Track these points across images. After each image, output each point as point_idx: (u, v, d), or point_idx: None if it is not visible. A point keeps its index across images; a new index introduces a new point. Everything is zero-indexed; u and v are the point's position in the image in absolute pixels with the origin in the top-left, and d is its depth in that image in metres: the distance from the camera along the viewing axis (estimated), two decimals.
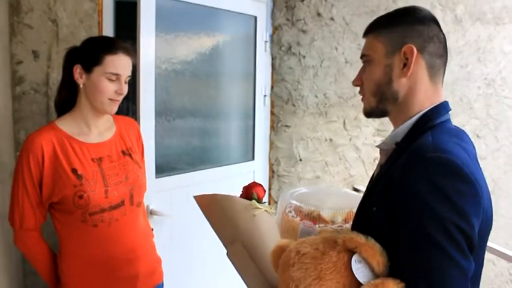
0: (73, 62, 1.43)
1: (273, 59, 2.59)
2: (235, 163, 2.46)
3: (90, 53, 1.41)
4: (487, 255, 1.09)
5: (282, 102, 2.60)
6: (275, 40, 2.57)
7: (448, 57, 1.01)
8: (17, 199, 1.39)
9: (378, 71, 0.96)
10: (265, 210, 1.15)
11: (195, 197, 1.21)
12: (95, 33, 1.90)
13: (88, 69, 1.41)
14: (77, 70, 1.42)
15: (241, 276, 1.11)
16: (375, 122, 2.54)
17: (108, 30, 1.97)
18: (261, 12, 2.49)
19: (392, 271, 0.83)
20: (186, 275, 2.15)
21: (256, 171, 2.54)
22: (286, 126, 2.60)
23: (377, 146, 1.04)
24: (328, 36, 2.54)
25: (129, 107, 2.62)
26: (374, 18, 1.02)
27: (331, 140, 2.60)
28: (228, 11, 2.30)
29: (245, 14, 2.41)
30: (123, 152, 1.51)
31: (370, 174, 1.11)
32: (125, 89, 1.45)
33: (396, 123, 0.99)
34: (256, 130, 2.53)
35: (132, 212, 1.49)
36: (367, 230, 0.87)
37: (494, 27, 2.50)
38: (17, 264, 1.81)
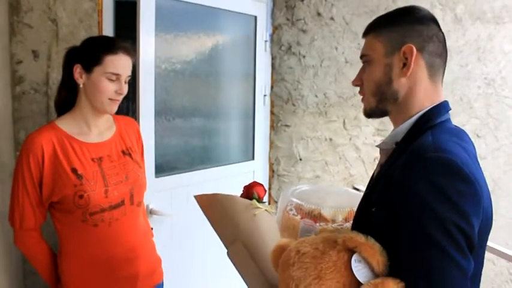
0: (73, 62, 1.43)
1: (273, 58, 2.59)
2: (235, 163, 2.46)
3: (90, 53, 1.41)
4: (487, 255, 1.09)
5: (282, 102, 2.60)
6: (275, 40, 2.57)
7: (448, 57, 1.01)
8: (17, 199, 1.39)
9: (378, 71, 0.96)
10: (266, 210, 1.15)
11: (196, 197, 1.21)
12: (94, 32, 1.90)
13: (88, 69, 1.41)
14: (77, 70, 1.42)
15: (242, 276, 1.11)
16: (375, 122, 2.54)
17: (108, 30, 1.97)
18: (261, 11, 2.49)
19: (392, 271, 0.83)
20: (186, 274, 2.15)
21: (256, 170, 2.54)
22: (286, 125, 2.60)
23: (377, 146, 1.04)
24: (328, 36, 2.54)
25: (129, 106, 2.63)
26: (374, 18, 1.02)
27: (331, 139, 2.60)
28: (228, 10, 2.30)
29: (245, 14, 2.41)
30: (123, 152, 1.51)
31: (370, 174, 1.11)
32: (125, 89, 1.45)
33: (396, 123, 0.99)
34: (256, 130, 2.54)
35: (132, 211, 1.49)
36: (367, 229, 0.87)
37: (494, 27, 2.50)
38: (17, 264, 1.81)
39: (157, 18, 1.88)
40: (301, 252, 0.86)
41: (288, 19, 2.55)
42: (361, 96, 1.03)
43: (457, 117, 2.48)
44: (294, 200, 1.23)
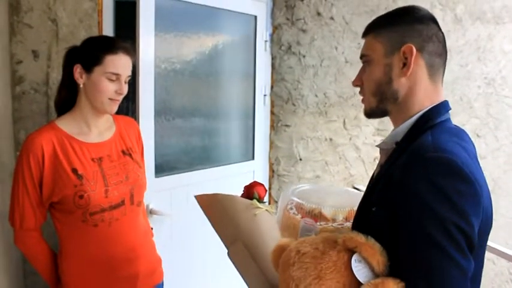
0: (73, 62, 1.43)
1: (273, 58, 2.59)
2: (235, 162, 2.46)
3: (90, 53, 1.41)
4: (487, 255, 1.09)
5: (282, 102, 2.60)
6: (275, 39, 2.57)
7: (448, 57, 1.01)
8: (17, 199, 1.39)
9: (378, 71, 0.96)
10: (266, 210, 1.15)
11: (196, 197, 1.21)
12: (94, 32, 1.90)
13: (88, 69, 1.41)
14: (77, 70, 1.41)
15: (242, 276, 1.11)
16: (375, 122, 2.54)
17: (108, 30, 1.97)
18: (261, 11, 2.49)
19: (392, 271, 0.83)
20: (185, 274, 2.15)
21: (256, 170, 2.54)
22: (286, 125, 2.60)
23: (377, 146, 1.04)
24: (328, 36, 2.54)
25: (129, 106, 2.62)
26: (374, 17, 1.02)
27: (331, 139, 2.60)
28: (228, 10, 2.30)
29: (245, 14, 2.41)
30: (123, 152, 1.51)
31: (370, 174, 1.11)
32: (125, 89, 1.45)
33: (396, 123, 0.99)
34: (256, 130, 2.53)
35: (132, 211, 1.49)
36: (367, 229, 0.87)
37: (494, 27, 2.50)
38: (17, 264, 1.81)
39: (157, 18, 1.88)
40: (301, 252, 0.86)
41: (287, 19, 2.55)
42: (362, 97, 1.03)
43: (457, 117, 2.48)
44: (295, 199, 1.23)
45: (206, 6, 2.17)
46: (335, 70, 2.55)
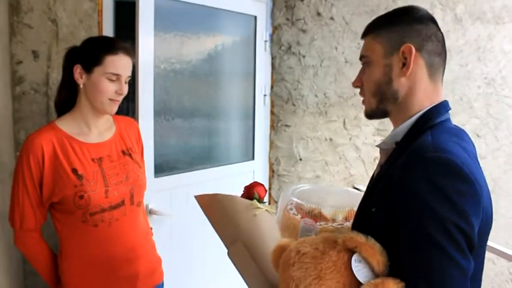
0: (73, 62, 1.43)
1: (272, 58, 2.59)
2: (235, 163, 2.46)
3: (90, 53, 1.41)
4: (487, 255, 1.09)
5: (282, 102, 2.60)
6: (275, 40, 2.57)
7: (448, 57, 1.01)
8: (17, 199, 1.39)
9: (378, 72, 0.97)
10: (266, 210, 1.15)
11: (196, 197, 1.21)
12: (94, 33, 1.90)
13: (88, 69, 1.41)
14: (77, 70, 1.41)
15: (242, 276, 1.11)
16: (375, 122, 2.54)
17: (108, 30, 1.97)
18: (261, 11, 2.49)
19: (393, 271, 0.83)
20: (185, 274, 2.15)
21: (256, 170, 2.54)
22: (286, 125, 2.60)
23: (377, 146, 1.04)
24: (328, 36, 2.54)
25: (129, 107, 2.62)
26: (374, 17, 1.02)
27: (331, 139, 2.60)
28: (228, 10, 2.30)
29: (245, 14, 2.41)
30: (123, 152, 1.51)
31: (370, 174, 1.11)
32: (125, 89, 1.45)
33: (396, 123, 0.99)
34: (256, 130, 2.54)
35: (132, 211, 1.49)
36: (367, 229, 0.87)
37: (494, 27, 2.50)
38: (17, 265, 1.81)
39: (157, 18, 1.88)
40: (301, 253, 0.86)
41: (287, 19, 2.55)
42: (362, 98, 1.03)
43: (457, 117, 2.48)
44: (294, 199, 1.23)
45: (206, 6, 2.17)
46: (335, 70, 2.55)
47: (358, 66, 1.03)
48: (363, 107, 1.03)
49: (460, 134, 0.94)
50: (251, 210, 1.13)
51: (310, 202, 1.20)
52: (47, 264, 1.48)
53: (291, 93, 2.58)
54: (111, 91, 1.41)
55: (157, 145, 1.96)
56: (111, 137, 1.51)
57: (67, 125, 1.44)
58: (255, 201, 1.16)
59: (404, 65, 0.94)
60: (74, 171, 1.39)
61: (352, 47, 2.52)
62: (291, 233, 1.17)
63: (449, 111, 0.98)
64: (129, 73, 1.46)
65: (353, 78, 1.04)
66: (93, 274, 1.44)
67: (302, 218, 1.18)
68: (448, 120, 0.96)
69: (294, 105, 2.58)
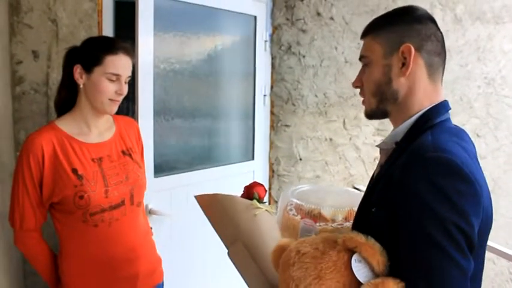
0: (73, 62, 1.43)
1: (272, 58, 2.59)
2: (235, 163, 2.46)
3: (90, 53, 1.41)
4: (487, 254, 1.09)
5: (282, 102, 2.60)
6: (275, 40, 2.57)
7: (448, 57, 1.01)
8: (17, 199, 1.39)
9: (377, 72, 0.97)
10: (266, 210, 1.15)
11: (196, 197, 1.21)
12: (94, 33, 1.90)
13: (88, 69, 1.41)
14: (77, 70, 1.41)
15: (242, 276, 1.11)
16: (375, 122, 2.54)
17: (108, 30, 1.97)
18: (261, 11, 2.49)
19: (393, 271, 0.83)
20: (185, 274, 2.15)
21: (256, 170, 2.54)
22: (286, 125, 2.60)
23: (377, 146, 1.04)
24: (328, 36, 2.54)
25: (129, 107, 2.63)
26: (374, 17, 1.02)
27: (331, 139, 2.60)
28: (228, 10, 2.30)
29: (245, 14, 2.41)
30: (123, 152, 1.51)
31: (370, 174, 1.11)
32: (125, 89, 1.45)
33: (396, 123, 0.99)
34: (256, 130, 2.54)
35: (132, 211, 1.49)
36: (367, 229, 0.87)
37: (494, 27, 2.50)
38: (17, 265, 1.81)
39: (156, 18, 1.88)
40: (301, 253, 0.86)
41: (287, 19, 2.55)
42: (362, 99, 1.03)
43: (457, 117, 2.48)
44: (294, 200, 1.23)
45: (206, 6, 2.17)
46: (335, 70, 2.55)
47: (358, 66, 1.03)
48: (363, 107, 1.03)
49: (460, 134, 0.94)
50: (251, 210, 1.13)
51: (309, 202, 1.20)
52: (47, 264, 1.48)
53: (290, 93, 2.58)
54: (111, 91, 1.41)
55: (157, 145, 1.96)
56: (111, 137, 1.51)
57: (67, 125, 1.44)
58: (254, 201, 1.16)
59: (403, 65, 0.94)
60: (74, 171, 1.39)
61: (352, 47, 2.52)
62: (290, 233, 1.17)
63: (449, 111, 0.98)
64: (129, 73, 1.46)
65: (353, 78, 1.04)
66: (93, 274, 1.44)
67: (302, 218, 1.18)
68: (448, 120, 0.96)
69: (293, 105, 2.58)
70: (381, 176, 0.95)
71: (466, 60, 2.52)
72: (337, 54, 2.54)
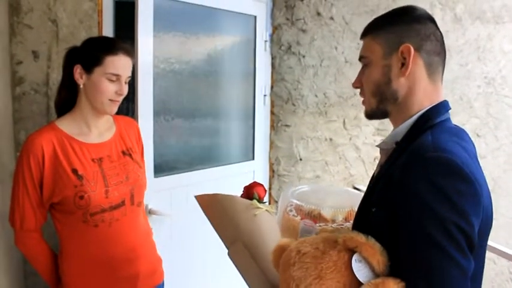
0: (73, 62, 1.43)
1: (272, 58, 2.59)
2: (235, 163, 2.46)
3: (90, 54, 1.41)
4: (488, 254, 1.09)
5: (282, 102, 2.60)
6: (275, 40, 2.57)
7: (448, 56, 1.02)
8: (18, 200, 1.39)
9: (377, 72, 0.97)
10: (266, 210, 1.15)
11: (196, 197, 1.21)
12: (94, 33, 1.90)
13: (88, 69, 1.41)
14: (77, 70, 1.42)
15: (243, 276, 1.12)
16: (375, 122, 2.54)
17: (108, 31, 1.97)
18: (261, 11, 2.49)
19: (393, 271, 0.83)
20: (185, 274, 2.15)
21: (256, 170, 2.54)
22: (286, 125, 2.60)
23: (377, 146, 1.04)
24: (328, 36, 2.54)
25: (129, 107, 2.63)
26: (374, 17, 1.02)
27: (331, 139, 2.60)
28: (228, 10, 2.30)
29: (245, 14, 2.41)
30: (123, 152, 1.51)
31: (370, 174, 1.11)
32: (125, 90, 1.45)
33: (396, 123, 0.99)
34: (256, 130, 2.54)
35: (133, 212, 1.49)
36: (368, 229, 0.87)
37: (494, 26, 2.50)
38: (17, 265, 1.81)
39: (156, 18, 1.88)
40: (301, 252, 0.87)
41: (287, 19, 2.55)
42: (362, 99, 1.03)
43: (457, 117, 2.48)
44: (294, 200, 1.23)
45: (205, 6, 2.17)
46: (335, 70, 2.55)
47: (358, 66, 1.03)
48: (363, 107, 1.03)
49: (460, 134, 0.94)
50: (251, 210, 1.13)
51: (309, 203, 1.20)
52: (47, 265, 1.48)
53: (291, 93, 2.58)
54: (111, 91, 1.41)
55: (156, 145, 1.96)
56: (111, 137, 1.51)
57: (67, 125, 1.44)
58: (254, 201, 1.16)
59: (403, 65, 0.94)
60: (74, 171, 1.39)
61: (352, 47, 2.52)
62: (290, 234, 1.17)
63: (449, 111, 0.98)
64: (129, 73, 1.46)
65: (353, 78, 1.04)
66: (93, 274, 1.44)
67: (302, 219, 1.18)
68: (448, 120, 0.96)
69: (294, 105, 2.58)
70: (381, 176, 0.95)
71: (466, 60, 2.52)
72: (337, 54, 2.54)
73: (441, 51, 0.97)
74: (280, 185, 2.64)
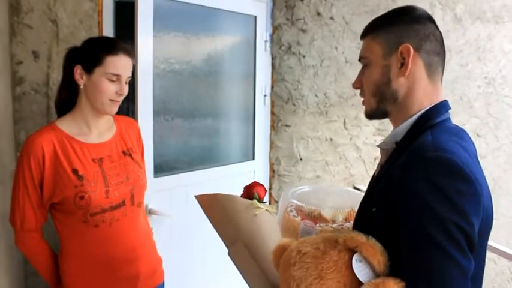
0: (73, 63, 1.43)
1: (273, 58, 2.59)
2: (236, 163, 2.46)
3: (90, 54, 1.41)
4: (488, 254, 1.09)
5: (282, 102, 2.60)
6: (275, 40, 2.57)
7: (448, 56, 1.02)
8: (18, 200, 1.39)
9: (376, 72, 0.97)
10: (266, 210, 1.15)
11: (196, 197, 1.21)
12: (95, 33, 1.90)
13: (88, 69, 1.41)
14: (78, 71, 1.42)
15: (243, 276, 1.12)
16: (375, 122, 2.54)
17: (108, 31, 1.97)
18: (261, 11, 2.49)
19: (393, 270, 0.83)
20: (185, 274, 2.15)
21: (256, 170, 2.54)
22: (287, 125, 2.60)
23: (377, 146, 1.04)
24: (328, 36, 2.54)
25: (129, 107, 2.62)
26: (374, 17, 1.02)
27: (331, 139, 2.60)
28: (228, 11, 2.30)
29: (245, 14, 2.41)
30: (124, 152, 1.51)
31: (371, 174, 1.11)
32: (126, 90, 1.45)
33: (396, 123, 0.99)
34: (257, 130, 2.54)
35: (133, 212, 1.49)
36: (368, 229, 0.87)
37: (494, 26, 2.50)
38: (18, 265, 1.81)
39: (156, 18, 1.88)
40: (302, 252, 0.87)
41: (287, 19, 2.55)
42: (362, 99, 1.03)
43: (457, 117, 2.48)
44: (294, 201, 1.23)
45: (205, 6, 2.17)
46: (335, 70, 2.55)
47: (358, 66, 1.03)
48: (363, 107, 1.03)
49: (460, 134, 0.94)
50: (251, 210, 1.13)
51: (309, 204, 1.20)
52: (47, 265, 1.48)
53: (291, 93, 2.58)
54: (112, 91, 1.41)
55: (156, 145, 1.96)
56: (111, 137, 1.51)
57: (67, 125, 1.44)
58: (255, 201, 1.16)
59: (402, 65, 0.94)
60: (75, 171, 1.39)
61: (352, 46, 2.52)
62: (291, 234, 1.17)
63: (449, 111, 0.98)
64: (130, 73, 1.46)
65: (353, 78, 1.04)
66: (93, 274, 1.44)
67: (302, 219, 1.18)
68: (448, 119, 0.96)
69: (294, 105, 2.58)
70: (381, 175, 0.95)
71: (466, 60, 2.52)
72: (337, 54, 2.54)
73: (441, 51, 0.97)
74: (281, 185, 2.64)
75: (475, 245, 0.82)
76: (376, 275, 0.83)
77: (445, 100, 0.98)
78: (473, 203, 0.81)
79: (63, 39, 1.87)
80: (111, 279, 1.46)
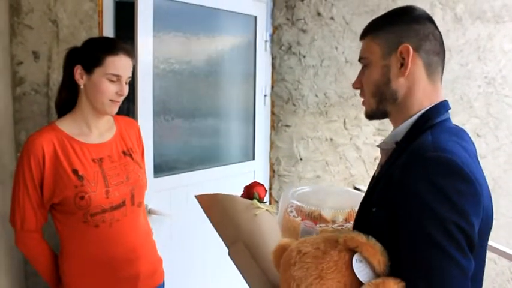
0: (73, 63, 1.43)
1: (273, 58, 2.59)
2: (236, 163, 2.46)
3: (90, 54, 1.41)
4: (488, 254, 1.09)
5: (282, 102, 2.60)
6: (275, 40, 2.58)
7: (448, 56, 1.02)
8: (18, 200, 1.39)
9: (376, 73, 0.97)
10: (267, 210, 1.15)
11: (196, 197, 1.22)
12: (95, 33, 1.90)
13: (89, 70, 1.41)
14: (78, 71, 1.42)
15: (243, 276, 1.12)
16: (375, 122, 2.54)
17: (108, 31, 1.97)
18: (261, 12, 2.49)
19: (393, 270, 0.83)
20: (185, 275, 2.15)
21: (256, 170, 2.55)
22: (287, 125, 2.61)
23: (377, 146, 1.04)
24: (328, 36, 2.54)
25: (129, 107, 2.62)
26: (374, 17, 1.02)
27: (331, 139, 2.60)
28: (228, 11, 2.31)
29: (245, 14, 2.41)
30: (124, 153, 1.51)
31: (371, 174, 1.11)
32: (126, 90, 1.45)
33: (396, 123, 0.99)
34: (257, 130, 2.54)
35: (133, 212, 1.49)
36: (368, 229, 0.87)
37: (494, 26, 2.50)
38: (18, 265, 1.81)
39: (156, 18, 1.88)
40: (302, 252, 0.87)
41: (288, 19, 2.55)
42: (362, 99, 1.03)
43: (457, 117, 2.48)
44: (294, 201, 1.23)
45: (205, 6, 2.17)
46: (335, 70, 2.55)
47: (358, 66, 1.04)
48: (363, 107, 1.03)
49: (460, 134, 0.94)
50: (251, 210, 1.13)
51: (310, 204, 1.20)
52: (47, 265, 1.48)
53: (291, 93, 2.58)
54: (112, 92, 1.41)
55: (156, 145, 1.96)
56: (111, 137, 1.51)
57: (67, 125, 1.44)
58: (255, 201, 1.16)
59: (402, 65, 0.94)
60: (75, 171, 1.39)
61: (352, 47, 2.52)
62: (291, 235, 1.17)
63: (449, 111, 0.98)
64: (130, 74, 1.46)
65: (353, 78, 1.04)
66: (94, 275, 1.44)
67: (302, 220, 1.18)
68: (448, 119, 0.96)
69: (294, 105, 2.58)
70: (381, 175, 0.95)
71: (467, 60, 2.52)
72: (338, 54, 2.54)
73: (440, 51, 0.97)
74: (281, 185, 2.64)
75: (475, 245, 0.82)
76: (376, 275, 0.83)
77: (445, 100, 0.98)
78: (473, 203, 0.81)
79: (63, 40, 1.87)
80: (111, 279, 1.46)
